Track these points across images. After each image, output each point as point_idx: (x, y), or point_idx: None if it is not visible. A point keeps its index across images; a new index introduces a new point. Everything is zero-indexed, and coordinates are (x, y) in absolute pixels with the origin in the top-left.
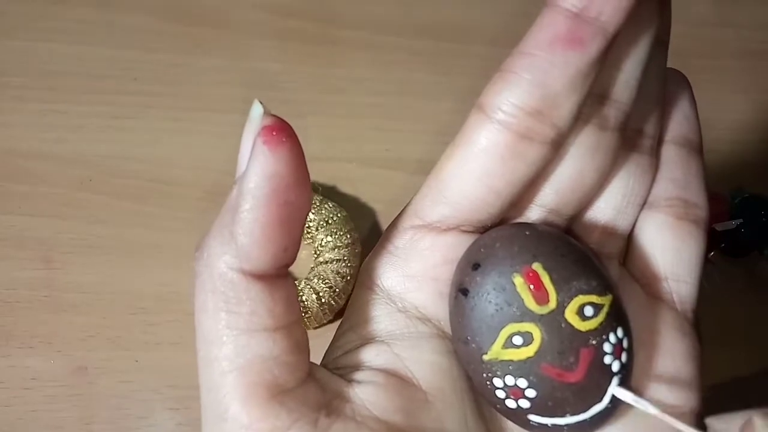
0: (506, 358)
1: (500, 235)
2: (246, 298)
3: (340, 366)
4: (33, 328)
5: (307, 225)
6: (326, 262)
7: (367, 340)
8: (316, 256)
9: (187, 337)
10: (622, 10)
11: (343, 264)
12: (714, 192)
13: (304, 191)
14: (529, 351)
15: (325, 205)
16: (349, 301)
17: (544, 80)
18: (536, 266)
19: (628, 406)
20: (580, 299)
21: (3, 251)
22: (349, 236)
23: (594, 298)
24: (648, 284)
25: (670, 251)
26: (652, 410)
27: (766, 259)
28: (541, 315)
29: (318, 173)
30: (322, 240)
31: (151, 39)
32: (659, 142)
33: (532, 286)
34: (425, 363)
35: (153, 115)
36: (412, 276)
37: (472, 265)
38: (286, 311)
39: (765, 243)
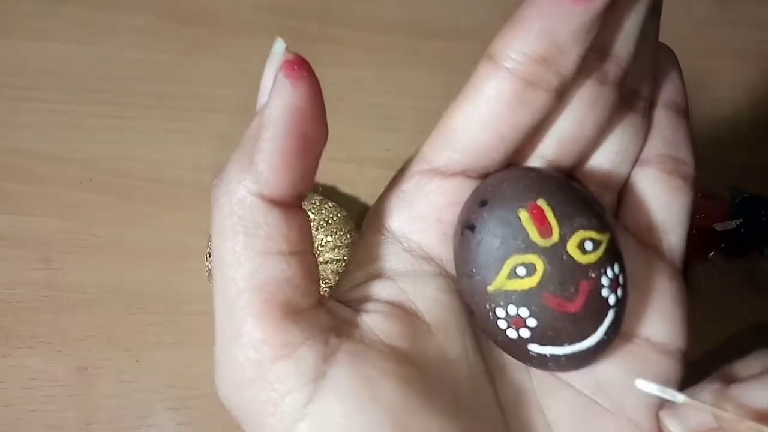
0: (510, 288)
1: (507, 175)
2: (263, 222)
3: (348, 299)
4: (33, 328)
5: None
6: (326, 262)
7: (374, 277)
8: (316, 255)
9: (187, 337)
10: None
11: (343, 264)
12: (714, 192)
13: (322, 125)
14: (532, 282)
15: (325, 205)
16: (357, 241)
17: (551, 29)
18: (541, 202)
19: (620, 341)
20: (581, 234)
21: (3, 251)
22: (348, 236)
23: (594, 234)
24: (640, 234)
25: (661, 204)
26: (680, 398)
27: (767, 259)
28: (544, 247)
29: (318, 173)
30: (322, 240)
31: (151, 39)
32: (651, 105)
33: (536, 221)
34: (429, 298)
35: (153, 115)
36: (418, 217)
37: (479, 202)
38: (300, 238)
39: (765, 243)
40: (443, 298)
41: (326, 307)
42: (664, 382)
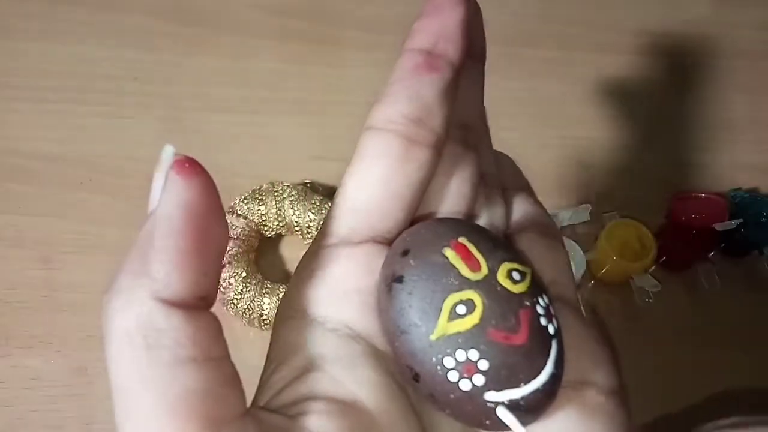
0: (453, 331)
1: (421, 225)
2: (167, 327)
3: (277, 405)
4: (32, 329)
5: (307, 225)
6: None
7: (300, 372)
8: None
9: None
10: (460, 49)
11: None
12: (714, 192)
13: (220, 222)
14: (474, 318)
15: (326, 206)
16: (272, 341)
17: (418, 95)
18: (462, 240)
19: (562, 390)
20: (507, 265)
21: (2, 251)
22: None
23: (518, 266)
24: None
25: (547, 261)
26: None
27: (766, 258)
28: (477, 281)
29: (318, 173)
30: None
31: (151, 39)
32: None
33: (463, 257)
34: (366, 383)
35: (153, 115)
36: (335, 293)
37: (401, 252)
38: (213, 344)
39: (765, 243)
40: (380, 380)
41: (254, 417)
42: (618, 423)
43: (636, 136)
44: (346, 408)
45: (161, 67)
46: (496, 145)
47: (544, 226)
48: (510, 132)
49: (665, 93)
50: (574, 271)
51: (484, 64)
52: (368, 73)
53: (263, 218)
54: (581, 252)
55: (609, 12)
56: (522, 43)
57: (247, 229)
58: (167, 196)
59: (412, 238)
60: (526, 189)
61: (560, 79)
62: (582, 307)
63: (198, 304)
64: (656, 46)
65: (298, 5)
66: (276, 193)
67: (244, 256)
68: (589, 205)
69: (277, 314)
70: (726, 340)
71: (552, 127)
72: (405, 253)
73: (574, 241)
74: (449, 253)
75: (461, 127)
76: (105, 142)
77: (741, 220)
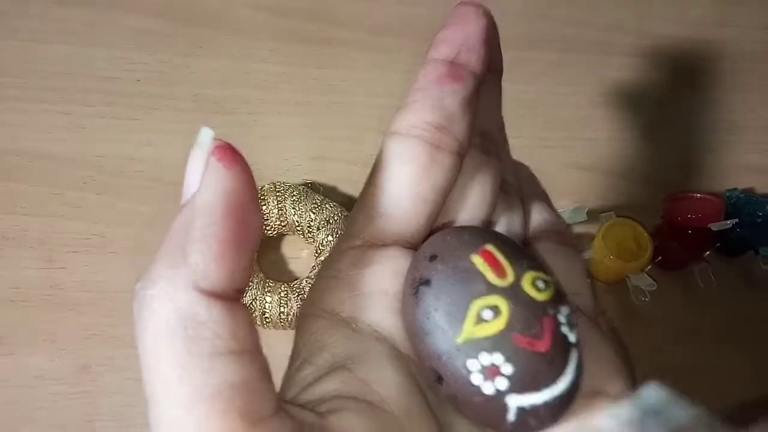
0: (479, 335)
1: (447, 232)
2: (207, 319)
3: (304, 401)
4: (36, 327)
5: (308, 225)
6: (323, 267)
7: (326, 370)
8: (317, 255)
9: None
10: (482, 60)
11: None
12: (710, 192)
13: (257, 212)
14: (500, 323)
15: (326, 205)
16: (297, 336)
17: (441, 104)
18: (489, 247)
19: (579, 399)
20: (532, 274)
21: (6, 251)
22: None
23: (542, 275)
24: None
25: (563, 270)
26: None
27: (762, 258)
28: (503, 288)
29: (318, 173)
30: (323, 240)
31: (152, 39)
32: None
33: (490, 263)
34: (390, 384)
35: (153, 115)
36: (361, 294)
37: (428, 258)
38: (249, 335)
39: (760, 242)
40: (403, 381)
41: (288, 412)
42: None
43: (632, 136)
44: (373, 408)
45: (162, 68)
46: None
47: (562, 235)
48: (508, 132)
49: (662, 94)
50: None
51: (501, 75)
52: (369, 74)
53: (265, 218)
54: None
55: (609, 14)
56: (522, 45)
57: None
58: (209, 183)
59: (440, 244)
60: (544, 197)
61: (558, 80)
62: (600, 317)
63: (235, 295)
64: (656, 48)
65: (299, 6)
66: (278, 193)
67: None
68: (586, 206)
69: (300, 311)
70: (721, 339)
71: (550, 128)
72: (433, 258)
73: None
74: (476, 259)
75: (481, 135)
76: (106, 142)
77: (736, 220)
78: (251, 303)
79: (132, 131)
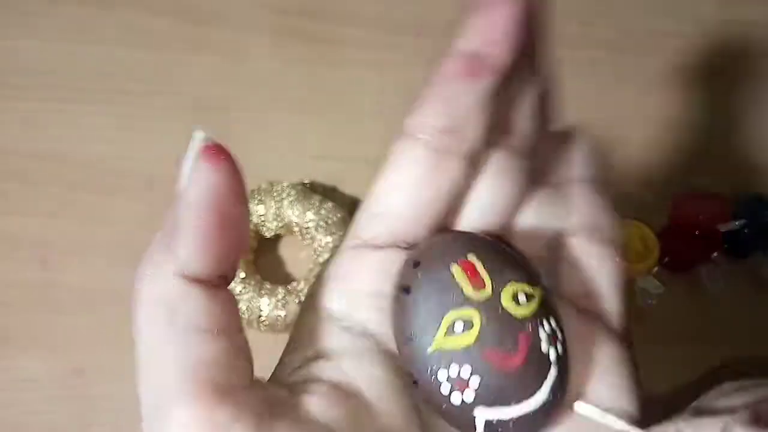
0: (449, 346)
1: (437, 237)
2: (185, 298)
3: (285, 382)
4: (30, 330)
5: (306, 225)
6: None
7: (313, 359)
8: (315, 256)
9: None
10: (506, 53)
11: None
12: (717, 193)
13: (243, 206)
14: (471, 337)
15: (325, 206)
16: (295, 324)
17: (452, 103)
18: (471, 257)
19: (567, 411)
20: (513, 286)
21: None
22: None
23: (526, 287)
24: (577, 301)
25: (592, 271)
26: (619, 425)
27: None
28: (479, 301)
29: (318, 173)
30: (321, 240)
31: (152, 39)
32: (566, 181)
33: (468, 274)
34: (370, 377)
35: (153, 115)
36: (354, 293)
37: (412, 264)
38: (227, 317)
39: None
40: (384, 376)
41: (261, 386)
42: None
43: (638, 136)
44: (346, 396)
45: (161, 67)
46: None
47: (598, 231)
48: None
49: (667, 93)
50: None
51: (538, 65)
52: (369, 73)
53: (262, 218)
54: None
55: (613, 11)
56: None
57: None
58: (194, 180)
59: (425, 251)
60: (595, 180)
61: (562, 79)
62: (621, 324)
63: (218, 282)
64: (662, 46)
65: (299, 4)
66: (275, 194)
67: (243, 256)
68: None
69: (302, 303)
70: (730, 341)
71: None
72: (416, 264)
73: None
74: (456, 269)
75: (508, 132)
76: (103, 142)
77: (745, 221)
78: (248, 306)
79: (130, 131)
